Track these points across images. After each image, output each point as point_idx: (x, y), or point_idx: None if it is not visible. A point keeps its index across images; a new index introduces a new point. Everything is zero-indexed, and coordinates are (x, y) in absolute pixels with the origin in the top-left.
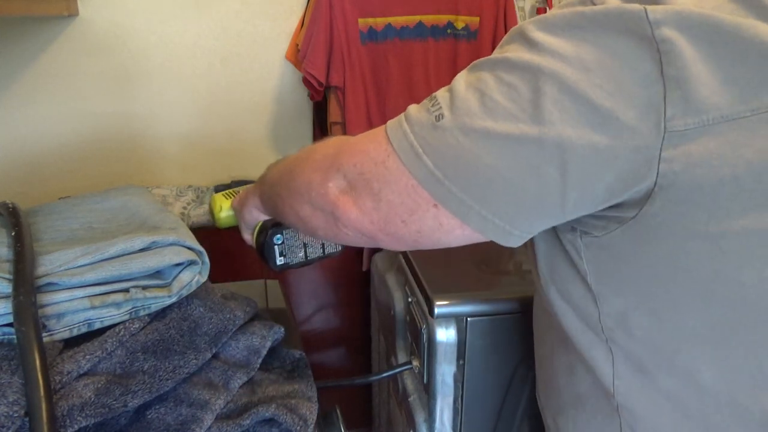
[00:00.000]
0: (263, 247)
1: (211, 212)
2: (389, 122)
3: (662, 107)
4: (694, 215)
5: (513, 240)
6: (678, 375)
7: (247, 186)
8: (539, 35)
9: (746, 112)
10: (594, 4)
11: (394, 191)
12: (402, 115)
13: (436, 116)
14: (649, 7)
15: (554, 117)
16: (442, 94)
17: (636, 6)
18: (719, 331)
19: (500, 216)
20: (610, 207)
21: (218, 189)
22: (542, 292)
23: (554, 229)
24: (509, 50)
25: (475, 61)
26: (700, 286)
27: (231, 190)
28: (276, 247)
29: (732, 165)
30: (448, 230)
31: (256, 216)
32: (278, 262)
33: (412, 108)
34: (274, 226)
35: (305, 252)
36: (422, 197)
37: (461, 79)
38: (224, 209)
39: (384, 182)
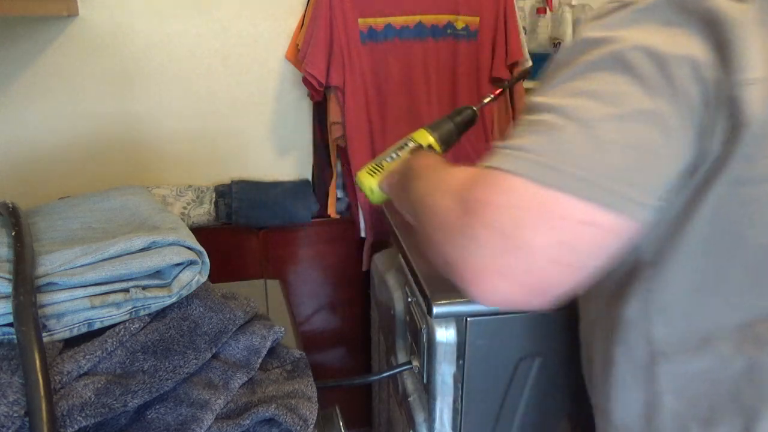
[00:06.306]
0: None
1: (362, 187)
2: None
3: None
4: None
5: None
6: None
7: (393, 168)
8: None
9: None
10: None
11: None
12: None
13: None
14: None
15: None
16: (534, 118)
17: None
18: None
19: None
20: None
21: (219, 189)
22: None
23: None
24: (591, 55)
25: (542, 84)
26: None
27: (373, 166)
28: None
29: None
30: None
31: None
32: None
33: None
34: None
35: None
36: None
37: (548, 100)
38: (374, 190)
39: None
